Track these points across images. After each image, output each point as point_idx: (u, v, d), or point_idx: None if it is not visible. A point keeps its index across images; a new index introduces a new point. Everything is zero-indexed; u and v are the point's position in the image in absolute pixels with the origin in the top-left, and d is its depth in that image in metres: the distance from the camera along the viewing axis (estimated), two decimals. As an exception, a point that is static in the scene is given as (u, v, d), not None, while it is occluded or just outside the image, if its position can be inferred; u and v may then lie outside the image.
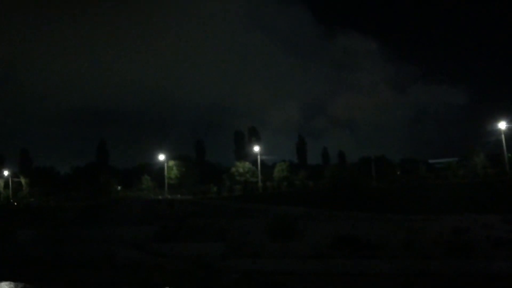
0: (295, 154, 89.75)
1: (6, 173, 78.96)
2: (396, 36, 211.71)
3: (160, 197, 62.86)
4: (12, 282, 30.91)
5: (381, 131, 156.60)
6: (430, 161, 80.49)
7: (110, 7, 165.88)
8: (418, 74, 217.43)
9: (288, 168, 71.74)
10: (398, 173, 70.48)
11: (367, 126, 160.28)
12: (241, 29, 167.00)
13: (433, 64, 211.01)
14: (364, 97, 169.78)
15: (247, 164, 71.76)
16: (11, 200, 74.66)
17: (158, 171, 73.79)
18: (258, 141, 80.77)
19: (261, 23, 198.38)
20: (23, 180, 78.73)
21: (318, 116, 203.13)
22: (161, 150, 73.39)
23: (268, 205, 45.91)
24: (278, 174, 70.49)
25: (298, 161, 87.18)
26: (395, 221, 35.06)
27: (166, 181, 69.59)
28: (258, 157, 68.60)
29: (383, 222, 35.49)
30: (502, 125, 56.93)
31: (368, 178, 59.72)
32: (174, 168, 72.17)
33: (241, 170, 70.52)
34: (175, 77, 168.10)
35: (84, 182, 74.77)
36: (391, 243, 30.10)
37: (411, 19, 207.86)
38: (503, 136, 56.76)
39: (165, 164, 70.99)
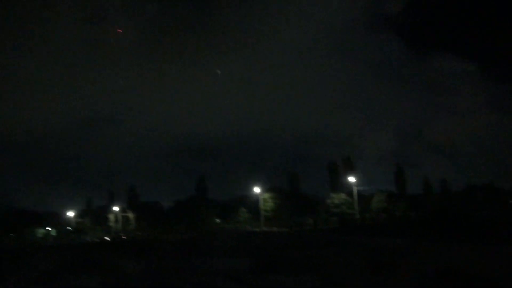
0: (393, 184, 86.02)
1: (116, 208, 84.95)
2: (495, 56, 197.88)
3: (256, 229, 63.53)
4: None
5: (486, 157, 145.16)
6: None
7: (203, 45, 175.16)
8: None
9: (386, 199, 69.07)
10: (511, 201, 64.77)
11: (470, 152, 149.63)
12: (330, 57, 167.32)
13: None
14: (464, 121, 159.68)
15: (343, 195, 70.29)
16: (120, 234, 79.85)
17: (254, 203, 74.88)
18: (352, 171, 78.95)
19: (349, 50, 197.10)
20: (130, 215, 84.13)
21: (415, 143, 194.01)
22: (256, 182, 74.60)
23: (367, 237, 44.35)
24: (376, 205, 68.12)
25: (397, 190, 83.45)
26: (509, 254, 31.94)
27: (261, 213, 70.29)
28: (354, 188, 67.00)
29: (494, 254, 32.52)
30: None
31: (475, 208, 55.49)
32: (270, 200, 72.79)
33: (336, 201, 69.24)
34: (268, 109, 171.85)
35: (185, 215, 78.10)
36: (507, 279, 27.38)
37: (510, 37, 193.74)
38: None
39: (260, 197, 71.88)
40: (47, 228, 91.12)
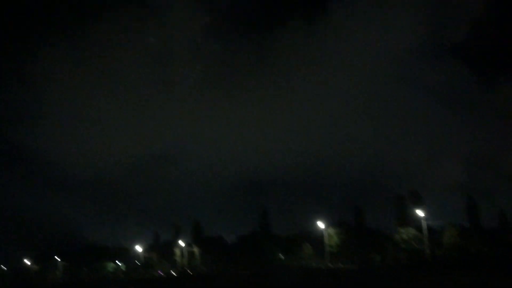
0: (465, 217, 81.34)
1: (181, 243, 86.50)
2: None
3: (321, 265, 62.24)
4: None
5: None
6: None
7: (263, 81, 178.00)
8: None
9: (459, 233, 65.54)
10: None
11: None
12: (394, 86, 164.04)
13: None
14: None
15: (411, 230, 67.53)
16: (186, 269, 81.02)
17: (318, 238, 73.53)
18: (420, 204, 75.76)
19: (413, 79, 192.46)
20: (195, 250, 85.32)
21: (487, 173, 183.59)
22: (320, 216, 73.31)
23: (440, 274, 42.17)
24: (448, 240, 64.72)
25: (470, 224, 78.88)
26: None
27: (326, 249, 68.86)
28: (423, 222, 64.15)
29: None
30: None
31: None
32: (334, 235, 71.30)
33: (405, 236, 66.58)
34: (330, 140, 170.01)
35: (248, 250, 78.00)
36: None
37: None
38: None
39: (325, 232, 70.58)
40: (117, 262, 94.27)
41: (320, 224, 71.22)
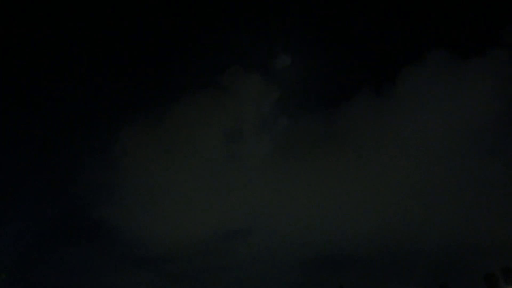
0: None
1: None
2: None
3: None
4: None
5: None
6: None
7: (332, 155, 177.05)
8: None
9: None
10: None
11: None
12: (474, 157, 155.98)
13: None
14: None
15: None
16: None
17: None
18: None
19: (495, 148, 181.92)
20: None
21: None
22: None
23: None
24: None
25: None
26: None
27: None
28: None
29: None
30: None
31: None
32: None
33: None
34: (410, 214, 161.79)
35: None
36: None
37: None
38: None
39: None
40: None
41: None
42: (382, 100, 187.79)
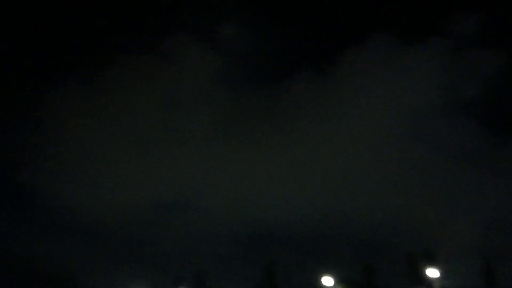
0: (480, 279, 77.79)
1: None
2: None
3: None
4: None
5: None
6: None
7: (273, 131, 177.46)
8: None
9: (474, 297, 61.94)
10: None
11: None
12: (407, 144, 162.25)
13: None
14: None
15: (424, 291, 64.06)
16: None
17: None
18: (434, 264, 72.48)
19: (427, 137, 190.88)
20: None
21: (505, 236, 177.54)
22: (328, 272, 70.25)
23: None
24: (462, 304, 61.05)
25: (486, 287, 75.21)
26: None
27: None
28: (436, 283, 60.91)
29: None
30: None
31: None
32: (342, 293, 67.94)
33: (416, 297, 63.04)
34: (339, 195, 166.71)
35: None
36: None
37: None
38: None
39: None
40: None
41: (328, 281, 68.03)
42: (323, 79, 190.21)
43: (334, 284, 67.18)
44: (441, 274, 62.62)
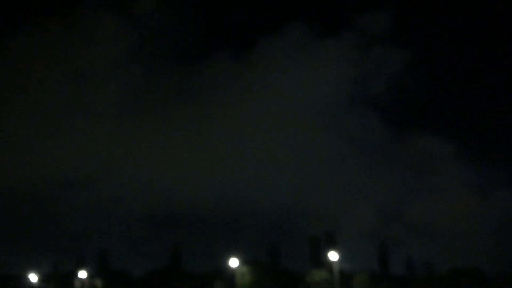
0: (376, 262, 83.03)
1: (82, 274, 79.79)
2: (475, 138, 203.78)
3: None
4: None
5: (468, 240, 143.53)
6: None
7: (179, 112, 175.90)
8: (503, 179, 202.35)
9: (368, 279, 66.32)
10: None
11: (452, 234, 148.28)
12: (311, 132, 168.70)
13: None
14: (444, 202, 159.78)
15: (323, 273, 67.31)
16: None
17: (230, 277, 71.09)
18: (334, 247, 76.14)
19: (330, 126, 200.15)
20: (98, 282, 79.20)
21: (397, 222, 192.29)
22: (234, 255, 70.87)
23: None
24: (358, 285, 65.16)
25: (380, 270, 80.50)
26: None
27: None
28: (335, 266, 64.15)
29: None
30: None
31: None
32: (247, 274, 69.27)
33: (317, 279, 66.15)
34: (248, 180, 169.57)
35: (156, 287, 73.59)
36: None
37: (490, 119, 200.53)
38: None
39: (237, 271, 68.31)
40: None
41: (233, 262, 68.67)
42: (239, 64, 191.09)
43: (240, 265, 68.18)
44: (340, 257, 66.04)
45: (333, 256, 64.84)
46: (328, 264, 67.40)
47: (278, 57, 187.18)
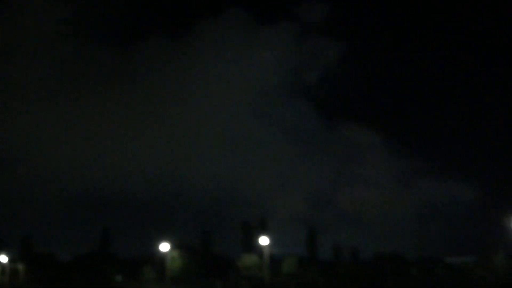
0: (305, 248, 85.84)
1: (3, 258, 75.88)
2: (400, 130, 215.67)
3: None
4: None
5: (391, 227, 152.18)
6: (447, 259, 76.84)
7: (113, 93, 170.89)
8: (425, 169, 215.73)
9: (297, 263, 68.39)
10: (414, 272, 67.10)
11: (377, 221, 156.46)
12: (245, 119, 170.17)
13: (439, 160, 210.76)
14: (371, 191, 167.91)
15: (254, 258, 68.57)
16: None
17: (161, 261, 70.51)
18: (266, 231, 77.69)
19: (264, 114, 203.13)
20: (20, 267, 75.64)
21: (326, 209, 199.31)
22: (165, 239, 70.22)
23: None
24: (286, 269, 67.01)
25: (308, 255, 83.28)
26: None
27: (167, 273, 66.16)
28: (266, 250, 65.48)
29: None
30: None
31: (383, 277, 56.42)
32: (178, 259, 69.02)
33: (247, 263, 67.26)
34: (181, 165, 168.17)
35: (85, 271, 71.64)
36: None
37: (414, 113, 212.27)
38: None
39: (167, 255, 67.85)
40: None
41: (163, 247, 68.02)
42: (176, 46, 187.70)
43: (170, 250, 67.70)
44: (271, 241, 67.49)
45: (264, 241, 66.06)
46: (259, 248, 68.65)
47: (216, 42, 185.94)
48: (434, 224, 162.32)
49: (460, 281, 53.81)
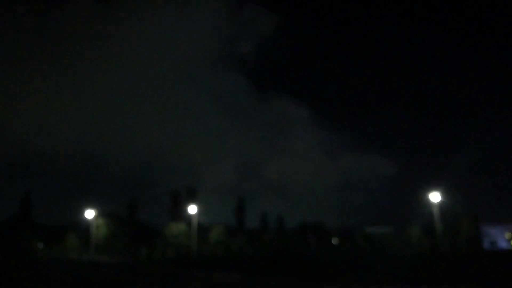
0: (233, 217, 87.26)
1: None
2: (327, 105, 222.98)
3: (84, 257, 58.21)
4: None
5: (315, 197, 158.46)
6: (366, 229, 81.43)
7: (39, 53, 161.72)
8: (348, 143, 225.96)
9: (225, 232, 69.46)
10: (335, 241, 70.48)
11: (302, 191, 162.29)
12: (177, 87, 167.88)
13: (364, 135, 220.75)
14: (297, 162, 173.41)
15: (182, 226, 68.74)
16: None
17: (86, 229, 68.97)
18: (194, 200, 77.97)
19: (197, 83, 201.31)
20: None
21: (254, 178, 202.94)
22: (90, 206, 68.62)
23: (202, 271, 43.19)
24: (214, 238, 67.91)
25: (236, 224, 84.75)
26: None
27: (92, 240, 64.93)
28: (193, 218, 65.96)
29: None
30: (435, 196, 56.11)
31: (306, 245, 58.82)
32: (103, 227, 67.74)
33: (175, 232, 67.32)
34: (108, 131, 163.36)
35: (2, 238, 68.33)
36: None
37: (342, 89, 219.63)
38: (435, 207, 57.08)
39: (92, 223, 66.45)
40: None
41: (88, 214, 66.71)
42: (102, 7, 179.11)
43: (96, 217, 66.29)
44: (199, 210, 67.93)
45: (192, 209, 66.51)
46: (187, 217, 68.95)
47: (150, 5, 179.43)
48: (355, 195, 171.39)
49: (377, 250, 57.15)
